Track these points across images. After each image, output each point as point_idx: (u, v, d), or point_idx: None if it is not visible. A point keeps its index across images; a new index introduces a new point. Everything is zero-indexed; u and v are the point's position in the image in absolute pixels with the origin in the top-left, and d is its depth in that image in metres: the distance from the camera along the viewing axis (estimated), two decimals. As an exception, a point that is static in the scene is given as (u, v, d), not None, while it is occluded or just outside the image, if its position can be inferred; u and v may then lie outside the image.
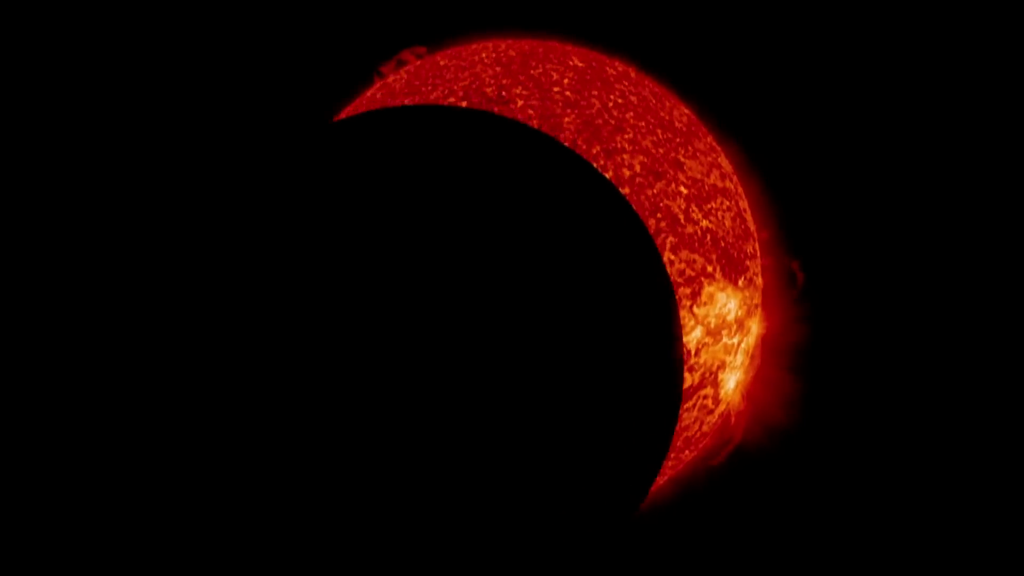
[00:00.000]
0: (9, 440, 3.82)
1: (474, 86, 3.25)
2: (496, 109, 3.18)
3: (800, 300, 3.72)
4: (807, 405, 3.78)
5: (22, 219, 3.95)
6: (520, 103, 3.19)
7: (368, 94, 3.55)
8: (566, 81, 3.27)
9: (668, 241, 3.11)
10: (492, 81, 3.25)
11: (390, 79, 3.56)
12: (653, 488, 2.97)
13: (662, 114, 3.35)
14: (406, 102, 3.30)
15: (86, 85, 4.03)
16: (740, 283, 3.32)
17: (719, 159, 3.46)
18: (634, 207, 3.09)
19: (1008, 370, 3.91)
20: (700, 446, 3.47)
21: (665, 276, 2.81)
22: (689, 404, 3.19)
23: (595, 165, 3.10)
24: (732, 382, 3.42)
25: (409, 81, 3.42)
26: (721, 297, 3.25)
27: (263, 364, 2.74)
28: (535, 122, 3.15)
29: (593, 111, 3.20)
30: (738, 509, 3.80)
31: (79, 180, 3.99)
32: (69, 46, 4.03)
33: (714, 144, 3.51)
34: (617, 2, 4.05)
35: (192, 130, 4.03)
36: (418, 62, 3.61)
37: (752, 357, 3.49)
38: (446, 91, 3.26)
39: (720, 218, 3.28)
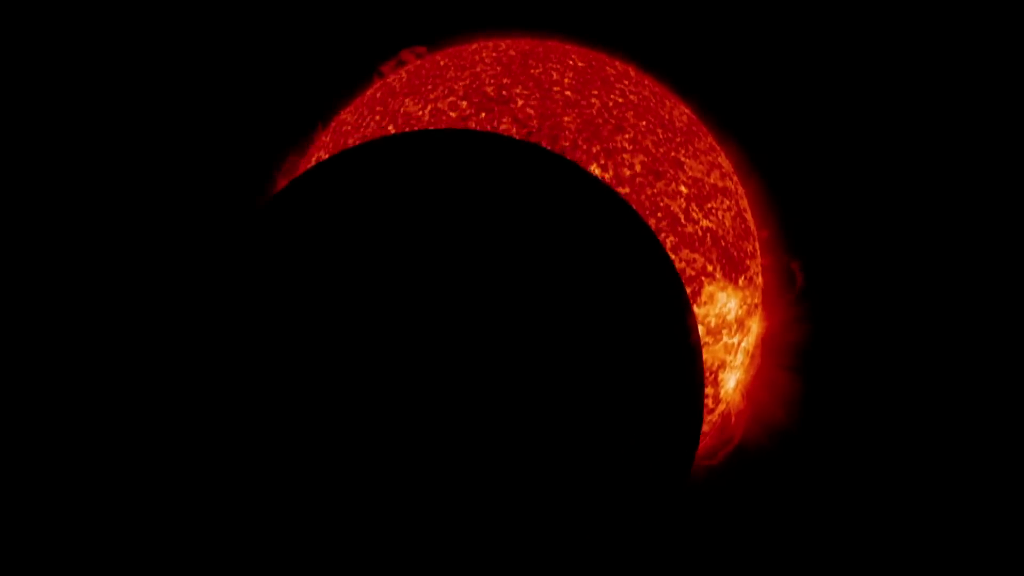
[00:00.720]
0: (9, 441, 3.82)
1: (474, 86, 3.25)
2: (496, 109, 3.18)
3: (800, 300, 3.72)
4: (807, 404, 3.79)
5: (22, 219, 3.95)
6: (520, 103, 3.19)
7: (368, 94, 3.55)
8: (566, 81, 3.27)
9: (668, 240, 3.11)
10: (492, 81, 3.25)
11: (390, 79, 3.57)
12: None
13: (662, 114, 3.35)
14: (406, 102, 3.30)
15: (86, 85, 4.03)
16: (740, 282, 3.32)
17: (719, 159, 3.46)
18: (634, 206, 3.09)
19: (1008, 370, 3.91)
20: (700, 445, 3.47)
21: (675, 274, 2.83)
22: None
23: (596, 164, 3.11)
24: (732, 381, 3.43)
25: (409, 81, 3.42)
26: (721, 296, 3.25)
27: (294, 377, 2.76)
28: (535, 122, 3.15)
29: (593, 111, 3.20)
30: (738, 509, 3.80)
31: (78, 180, 4.00)
32: (68, 46, 4.03)
33: (714, 144, 3.51)
34: (617, 2, 4.05)
35: (192, 130, 4.03)
36: (418, 62, 3.61)
37: (752, 356, 3.49)
38: (446, 91, 3.27)
39: (720, 217, 3.28)
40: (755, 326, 3.47)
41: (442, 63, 3.43)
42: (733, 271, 3.29)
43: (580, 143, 3.13)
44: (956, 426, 3.90)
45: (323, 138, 3.55)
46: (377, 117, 3.33)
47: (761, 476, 3.78)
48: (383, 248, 2.74)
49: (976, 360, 3.93)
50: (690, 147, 3.32)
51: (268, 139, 3.92)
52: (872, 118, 4.05)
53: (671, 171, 3.21)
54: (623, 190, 3.11)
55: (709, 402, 3.31)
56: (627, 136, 3.19)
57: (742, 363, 3.45)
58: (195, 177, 4.01)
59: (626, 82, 3.38)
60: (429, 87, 3.32)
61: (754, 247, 3.47)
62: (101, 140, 4.01)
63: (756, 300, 3.44)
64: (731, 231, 3.31)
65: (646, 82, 3.49)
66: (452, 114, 3.19)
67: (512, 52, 3.39)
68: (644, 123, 3.25)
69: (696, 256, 3.18)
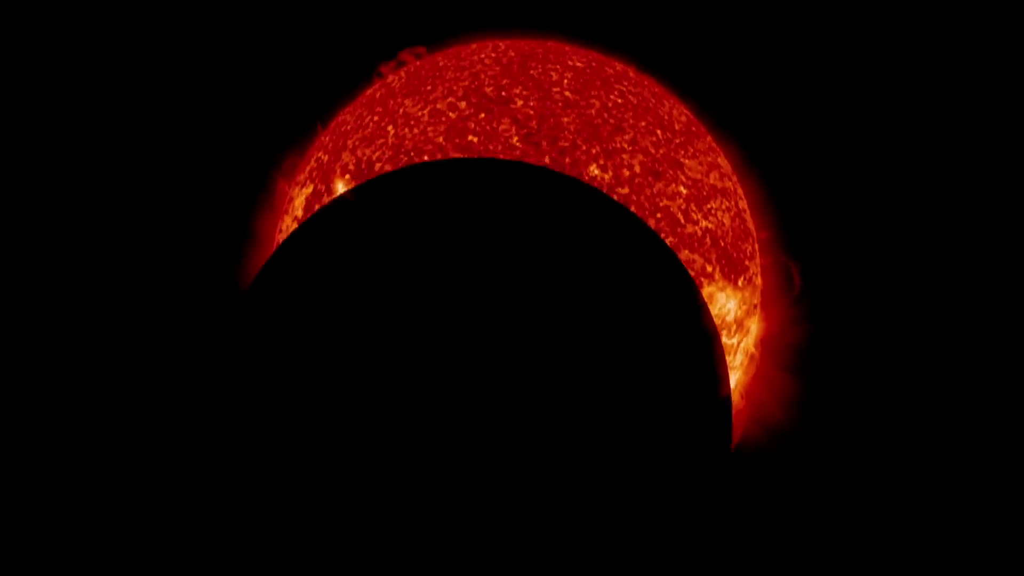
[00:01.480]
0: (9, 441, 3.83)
1: (474, 86, 3.25)
2: (496, 109, 3.18)
3: (799, 301, 3.72)
4: (806, 405, 3.79)
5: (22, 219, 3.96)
6: (520, 103, 3.19)
7: (368, 94, 3.55)
8: (566, 81, 3.27)
9: (668, 241, 3.11)
10: (492, 81, 3.25)
11: (390, 79, 3.57)
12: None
13: (661, 114, 3.35)
14: (406, 102, 3.30)
15: (84, 85, 4.03)
16: (740, 283, 3.32)
17: (719, 159, 3.46)
18: (634, 207, 3.10)
19: (1008, 370, 3.91)
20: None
21: (689, 278, 2.85)
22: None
23: (595, 164, 3.11)
24: (731, 382, 3.43)
25: (409, 81, 3.42)
26: (721, 297, 3.25)
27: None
28: (534, 123, 3.15)
29: (593, 111, 3.20)
30: (737, 509, 3.80)
31: (78, 180, 4.00)
32: (68, 46, 4.04)
33: (714, 144, 3.51)
34: (617, 2, 4.05)
35: (191, 130, 4.03)
36: (418, 62, 3.61)
37: (751, 357, 3.49)
38: (446, 91, 3.27)
39: (720, 218, 3.28)
40: (754, 327, 3.47)
41: (442, 64, 3.43)
42: (732, 272, 3.29)
43: (579, 143, 3.13)
44: (956, 426, 3.90)
45: (322, 138, 3.55)
46: (376, 117, 3.33)
47: (761, 476, 3.78)
48: (402, 271, 2.75)
49: (976, 360, 3.93)
50: (689, 148, 3.32)
51: (267, 139, 3.92)
52: (872, 119, 4.04)
53: (670, 172, 3.21)
54: (622, 191, 3.11)
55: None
56: (626, 137, 3.19)
57: (741, 364, 3.45)
58: (195, 177, 4.01)
59: (625, 82, 3.38)
60: (429, 88, 3.32)
61: (753, 248, 3.47)
62: (99, 140, 4.02)
63: (755, 301, 3.44)
64: (730, 232, 3.31)
65: (645, 82, 3.49)
66: (451, 115, 3.19)
67: (512, 53, 3.39)
68: (643, 124, 3.25)
69: (695, 257, 3.18)
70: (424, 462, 2.72)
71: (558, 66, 3.32)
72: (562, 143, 3.11)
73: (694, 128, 3.45)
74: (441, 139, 3.14)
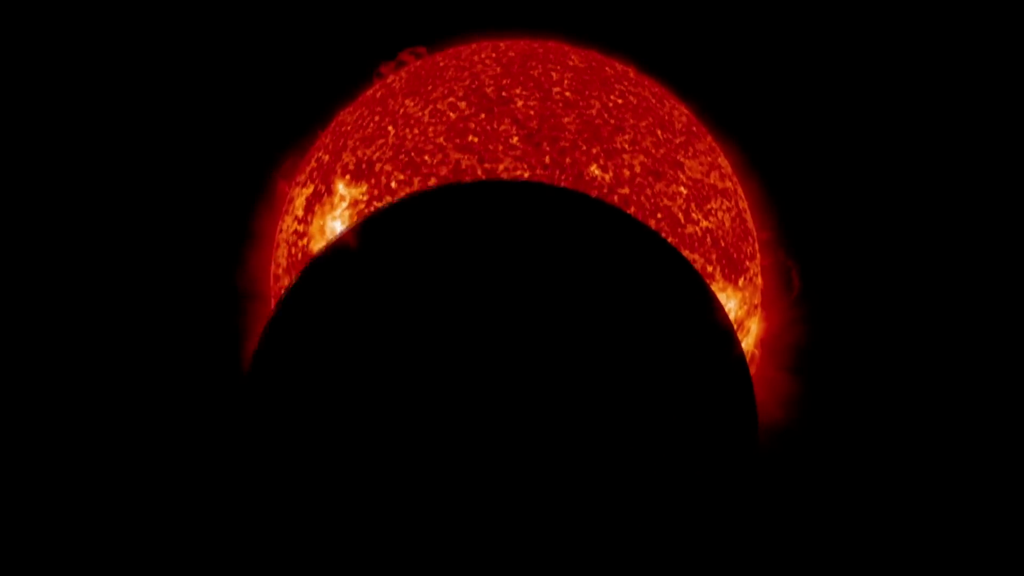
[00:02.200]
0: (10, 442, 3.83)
1: (474, 86, 3.25)
2: (496, 110, 3.18)
3: (799, 301, 3.72)
4: (806, 405, 3.79)
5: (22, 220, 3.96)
6: (520, 103, 3.19)
7: (368, 94, 3.55)
8: (566, 81, 3.27)
9: (667, 241, 3.11)
10: (492, 81, 3.25)
11: (390, 79, 3.56)
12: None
13: (662, 114, 3.35)
14: (407, 102, 3.30)
15: (82, 85, 4.03)
16: (740, 283, 3.32)
17: (719, 159, 3.46)
18: (634, 207, 3.10)
19: (1008, 370, 3.91)
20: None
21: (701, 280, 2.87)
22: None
23: (595, 165, 3.11)
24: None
25: (409, 81, 3.42)
26: (721, 297, 3.25)
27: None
28: (535, 123, 3.15)
29: (593, 111, 3.20)
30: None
31: (77, 180, 4.00)
32: (67, 46, 4.03)
33: (714, 144, 3.51)
34: (617, 2, 4.05)
35: (191, 130, 4.03)
36: (418, 62, 3.61)
37: (751, 357, 3.49)
38: (446, 91, 3.27)
39: (720, 218, 3.28)
40: (755, 327, 3.47)
41: (442, 64, 3.43)
42: (733, 272, 3.29)
43: (580, 144, 3.13)
44: (956, 426, 3.90)
45: (323, 138, 3.55)
46: (376, 118, 3.33)
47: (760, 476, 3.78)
48: (422, 296, 2.76)
49: (976, 360, 3.93)
50: (690, 148, 3.32)
51: (267, 139, 3.92)
52: (872, 119, 4.05)
53: (671, 172, 3.21)
54: (623, 191, 3.11)
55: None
56: (627, 137, 3.19)
57: (742, 364, 3.45)
58: (195, 177, 4.01)
59: (626, 83, 3.38)
60: (429, 88, 3.32)
61: (754, 248, 3.47)
62: (99, 140, 4.02)
63: (756, 301, 3.44)
64: (731, 232, 3.31)
65: (646, 83, 3.49)
66: (452, 115, 3.19)
67: (512, 53, 3.39)
68: (644, 124, 3.25)
69: (696, 257, 3.18)
70: (457, 482, 2.73)
71: (558, 66, 3.32)
72: (562, 143, 3.11)
73: (694, 128, 3.45)
74: (442, 139, 3.14)
